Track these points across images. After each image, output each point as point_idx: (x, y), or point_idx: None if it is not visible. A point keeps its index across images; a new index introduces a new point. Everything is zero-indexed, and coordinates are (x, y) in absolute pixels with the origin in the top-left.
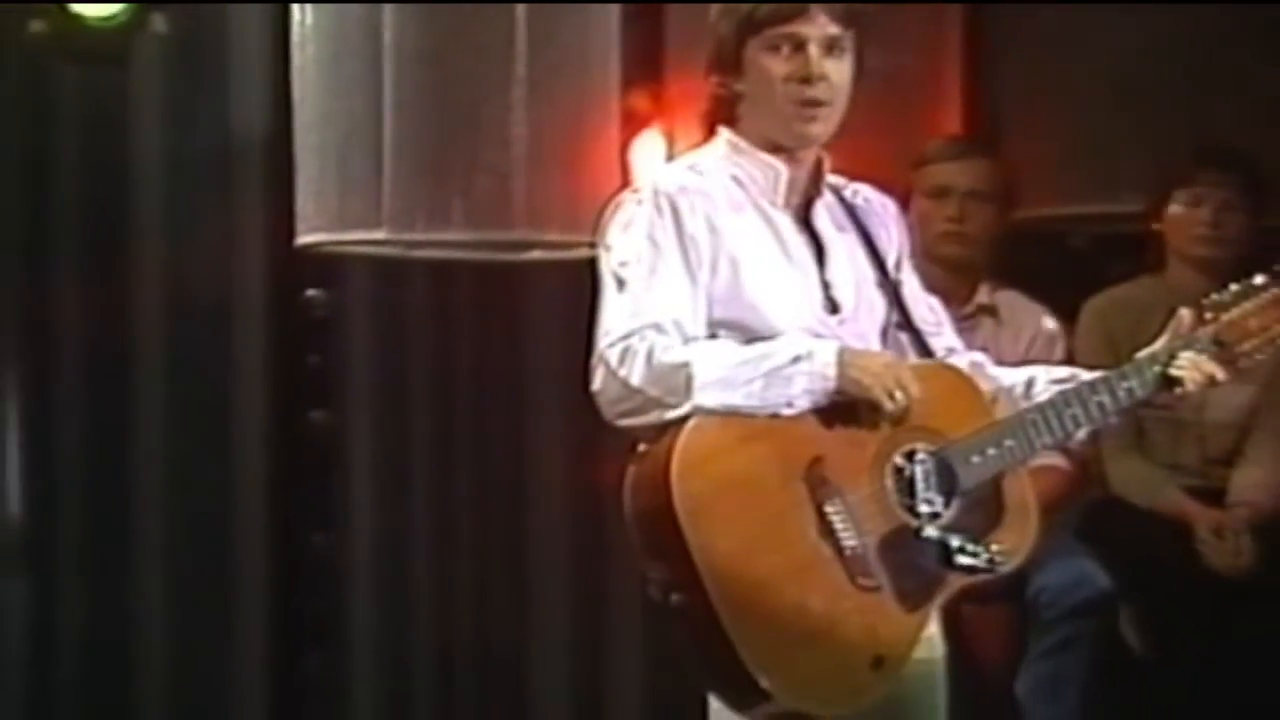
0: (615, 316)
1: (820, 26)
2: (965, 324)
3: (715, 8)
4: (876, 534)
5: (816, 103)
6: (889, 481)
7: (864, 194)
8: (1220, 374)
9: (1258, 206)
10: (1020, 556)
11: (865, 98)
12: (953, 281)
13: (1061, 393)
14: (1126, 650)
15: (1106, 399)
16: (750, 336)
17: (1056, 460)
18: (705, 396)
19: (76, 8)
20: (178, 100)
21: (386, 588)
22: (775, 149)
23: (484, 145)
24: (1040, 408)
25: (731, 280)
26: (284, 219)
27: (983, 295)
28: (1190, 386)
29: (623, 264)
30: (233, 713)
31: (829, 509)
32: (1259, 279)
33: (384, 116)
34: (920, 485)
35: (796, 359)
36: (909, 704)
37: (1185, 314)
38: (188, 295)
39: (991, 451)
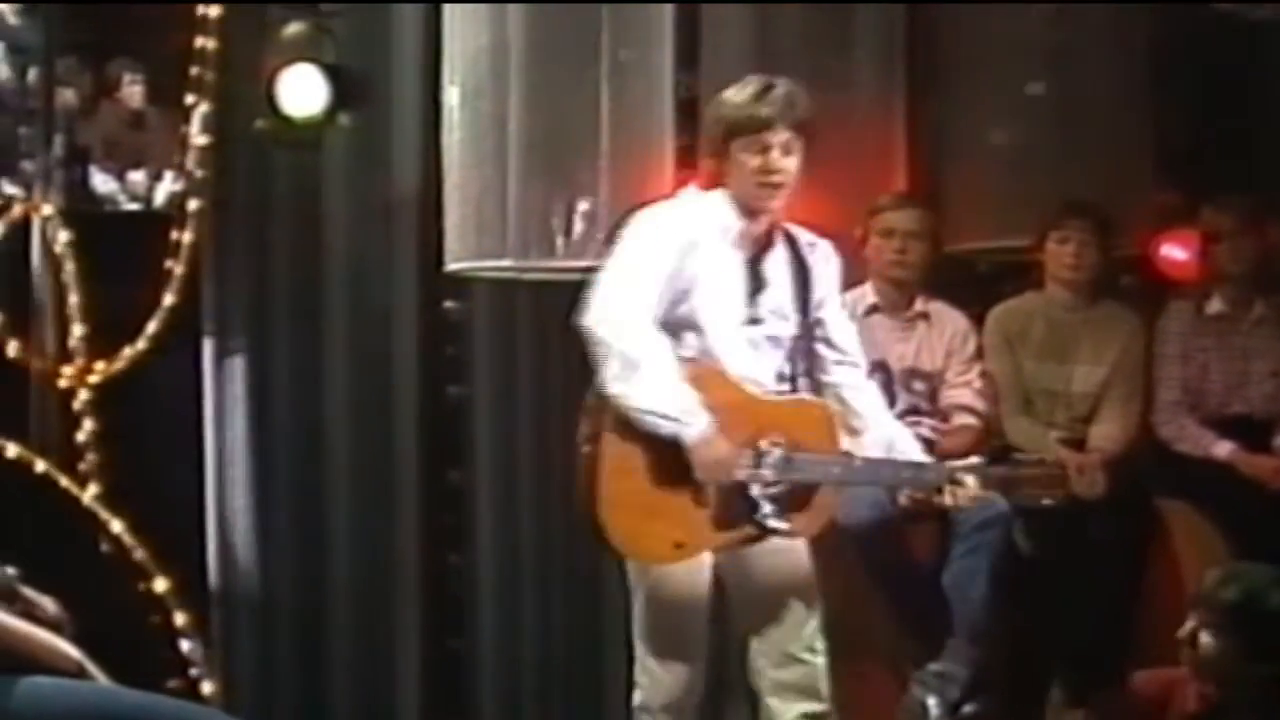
0: (605, 292)
1: (779, 134)
2: (906, 325)
3: (708, 114)
4: (723, 475)
5: (775, 185)
6: (748, 453)
7: (816, 244)
8: (965, 501)
9: (1107, 243)
10: (808, 534)
11: (833, 164)
12: (897, 295)
13: (890, 459)
14: (1018, 551)
15: (908, 475)
16: (694, 330)
17: (970, 420)
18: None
19: (287, 110)
20: (359, 172)
21: (501, 508)
22: (745, 211)
23: (579, 198)
24: (870, 460)
25: (688, 290)
26: (433, 253)
27: (919, 305)
28: (948, 500)
29: (619, 260)
30: (391, 591)
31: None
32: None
33: (508, 180)
34: (764, 463)
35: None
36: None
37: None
38: (365, 307)
39: (829, 469)
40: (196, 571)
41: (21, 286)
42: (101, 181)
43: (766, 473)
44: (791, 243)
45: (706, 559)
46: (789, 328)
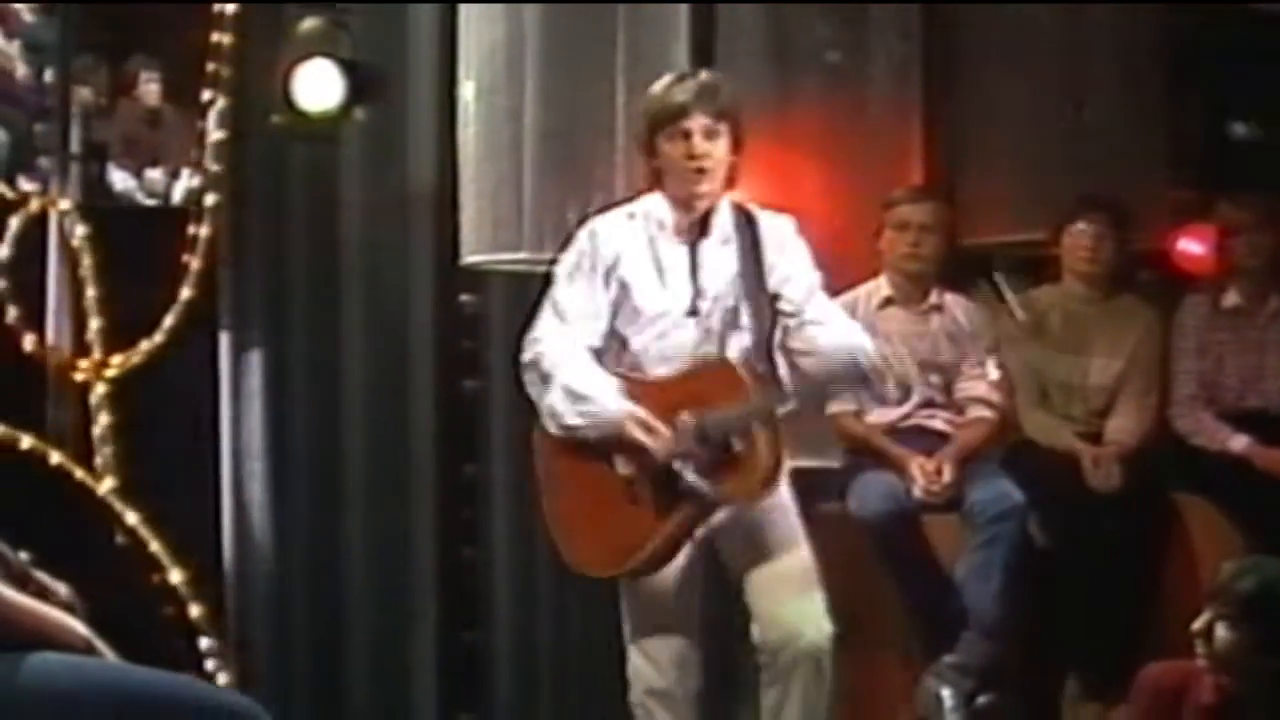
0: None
1: (697, 120)
2: (921, 318)
3: (638, 110)
4: (650, 465)
5: (700, 170)
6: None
7: (775, 222)
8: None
9: (1123, 235)
10: (746, 497)
11: (850, 161)
12: (911, 288)
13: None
14: (1034, 544)
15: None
16: (637, 326)
17: (986, 412)
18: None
19: (303, 105)
20: (374, 167)
21: (518, 505)
22: (679, 202)
23: (594, 193)
24: (766, 392)
25: (626, 292)
26: (449, 247)
27: (934, 297)
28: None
29: (551, 296)
30: (410, 571)
31: (618, 457)
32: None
33: (523, 174)
34: (679, 437)
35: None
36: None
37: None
38: (381, 300)
39: (740, 416)
40: (212, 564)
41: (39, 281)
42: (119, 179)
43: (687, 445)
44: (745, 223)
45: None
46: (741, 307)
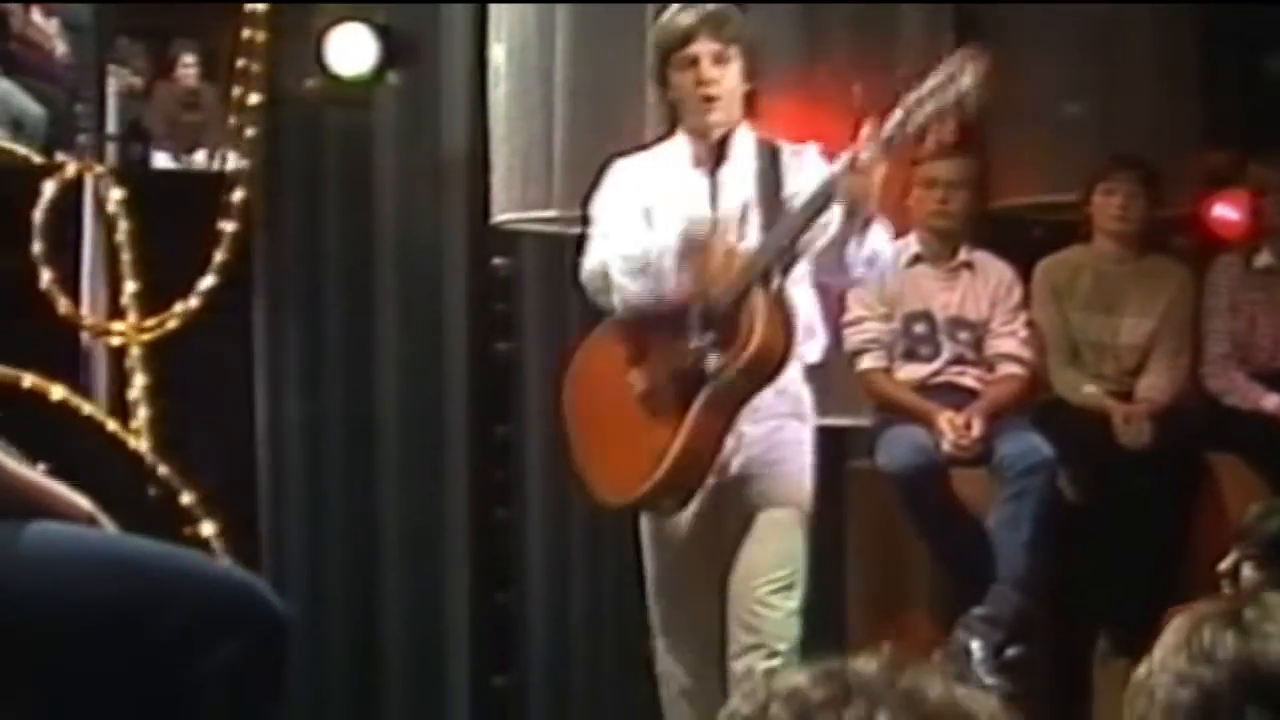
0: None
1: (705, 44)
2: (950, 275)
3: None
4: (665, 372)
5: (710, 97)
6: (678, 339)
7: (799, 150)
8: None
9: (1154, 195)
10: (742, 361)
11: (879, 105)
12: (940, 245)
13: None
14: (1062, 498)
15: (808, 208)
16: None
17: (1016, 369)
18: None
19: (336, 69)
20: (408, 130)
21: (551, 467)
22: (695, 132)
23: (624, 149)
24: (758, 245)
25: (649, 221)
26: (481, 205)
27: (963, 254)
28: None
29: (596, 224)
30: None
31: (633, 371)
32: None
33: (554, 132)
34: (689, 331)
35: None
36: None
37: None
38: (415, 260)
39: (728, 283)
40: (244, 522)
41: (74, 245)
42: (162, 161)
43: (695, 334)
44: (767, 152)
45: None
46: (759, 235)
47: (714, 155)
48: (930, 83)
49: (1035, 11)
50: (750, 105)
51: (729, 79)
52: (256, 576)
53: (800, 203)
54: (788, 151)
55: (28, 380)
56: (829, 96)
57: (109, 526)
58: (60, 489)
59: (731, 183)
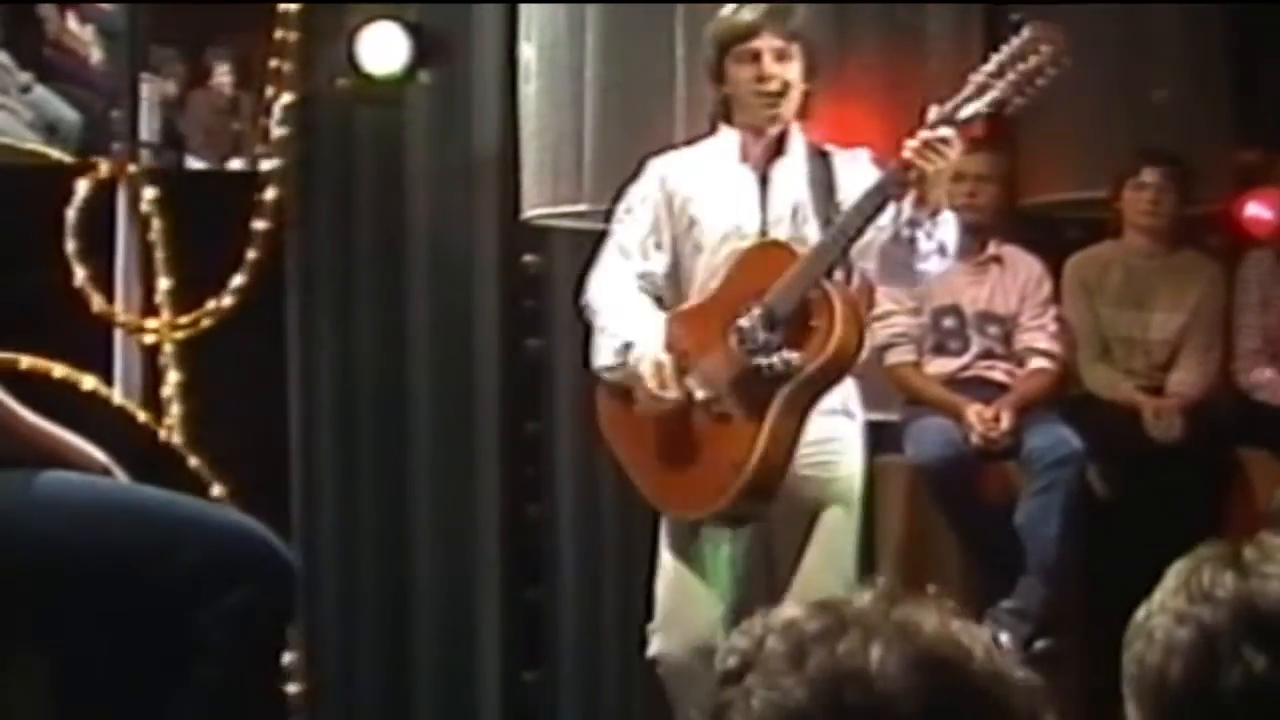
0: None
1: (768, 40)
2: (979, 269)
3: (705, 36)
4: (726, 380)
5: (772, 93)
6: (732, 341)
7: (852, 155)
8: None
9: (1184, 190)
10: (822, 358)
11: (911, 111)
12: (969, 239)
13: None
14: (1091, 492)
15: (867, 205)
16: (706, 257)
17: (1046, 363)
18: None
19: (368, 68)
20: (439, 129)
21: (582, 462)
22: (750, 129)
23: (654, 146)
24: (826, 234)
25: (691, 224)
26: (512, 203)
27: (991, 249)
28: (925, 162)
29: (611, 238)
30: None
31: (691, 382)
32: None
33: (584, 128)
34: (750, 332)
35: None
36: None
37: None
38: (445, 256)
39: (801, 281)
40: (276, 517)
41: (108, 243)
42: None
43: (759, 337)
44: (818, 155)
45: None
46: (810, 233)
47: (768, 152)
48: (1001, 57)
49: (1066, 10)
50: (805, 106)
51: (791, 74)
52: (259, 524)
53: (861, 196)
54: (840, 156)
55: (59, 370)
56: (859, 94)
57: (123, 479)
58: (77, 441)
59: (783, 180)
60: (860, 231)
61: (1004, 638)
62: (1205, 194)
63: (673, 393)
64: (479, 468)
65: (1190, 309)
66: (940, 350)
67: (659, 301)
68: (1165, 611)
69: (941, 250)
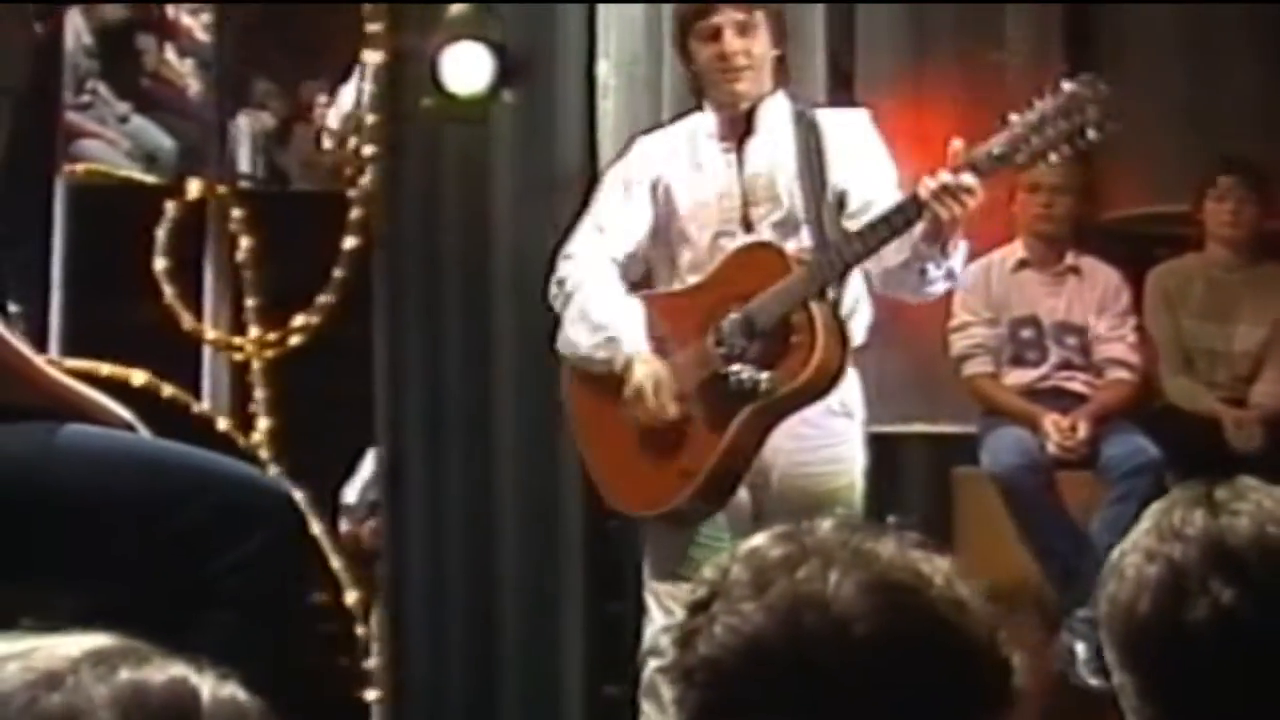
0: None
1: (727, 14)
2: (1056, 279)
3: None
4: (696, 379)
5: (735, 68)
6: (709, 340)
7: (838, 118)
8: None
9: (1265, 199)
10: (806, 385)
11: (981, 105)
12: (1045, 250)
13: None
14: None
15: (882, 231)
16: (686, 241)
17: (1125, 374)
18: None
19: (453, 88)
20: (523, 147)
21: None
22: (720, 106)
23: None
24: (826, 250)
25: (668, 204)
26: None
27: (1069, 259)
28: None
29: (589, 214)
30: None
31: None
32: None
33: None
34: (728, 335)
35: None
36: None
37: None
38: (531, 276)
39: (786, 294)
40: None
41: (196, 261)
42: None
43: (737, 343)
44: (804, 122)
45: None
46: (798, 213)
47: (740, 126)
48: (1043, 108)
49: (1142, 24)
50: (780, 71)
51: (756, 47)
52: (283, 481)
53: (866, 225)
54: (830, 120)
55: (139, 378)
56: (935, 98)
57: (145, 434)
58: (102, 397)
59: (759, 156)
60: (860, 259)
61: (1079, 647)
62: None
63: (671, 413)
64: (563, 483)
65: (1273, 321)
66: (1018, 361)
67: (632, 286)
68: (1137, 550)
69: (949, 276)
